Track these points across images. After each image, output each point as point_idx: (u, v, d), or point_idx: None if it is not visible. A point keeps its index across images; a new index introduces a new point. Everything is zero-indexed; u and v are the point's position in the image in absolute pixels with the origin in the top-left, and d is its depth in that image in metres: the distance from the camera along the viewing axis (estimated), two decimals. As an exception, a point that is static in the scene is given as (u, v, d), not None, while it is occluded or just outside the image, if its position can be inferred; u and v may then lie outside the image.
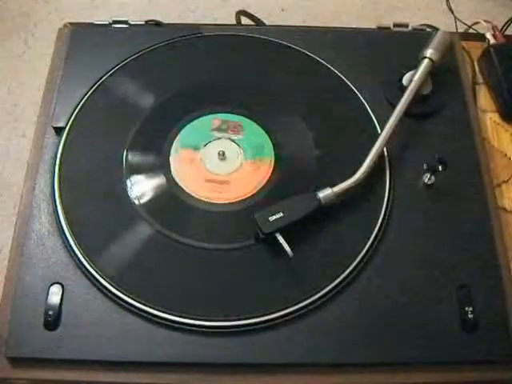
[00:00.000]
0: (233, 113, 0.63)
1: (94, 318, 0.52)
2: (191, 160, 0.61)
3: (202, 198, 0.58)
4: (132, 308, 0.52)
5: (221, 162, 0.61)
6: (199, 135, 0.62)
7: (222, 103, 0.64)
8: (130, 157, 0.60)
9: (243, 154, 0.61)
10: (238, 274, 0.54)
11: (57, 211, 0.57)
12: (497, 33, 0.70)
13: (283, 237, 0.53)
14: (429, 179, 0.59)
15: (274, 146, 0.61)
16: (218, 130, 0.62)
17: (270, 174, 0.60)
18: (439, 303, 0.53)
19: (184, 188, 0.59)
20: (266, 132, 0.62)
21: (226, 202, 0.58)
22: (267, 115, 0.63)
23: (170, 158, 0.60)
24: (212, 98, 0.65)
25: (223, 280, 0.54)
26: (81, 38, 0.68)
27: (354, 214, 0.57)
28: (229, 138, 0.62)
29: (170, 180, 0.59)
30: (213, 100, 0.64)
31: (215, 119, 0.63)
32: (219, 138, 0.62)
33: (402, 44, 0.68)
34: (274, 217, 0.53)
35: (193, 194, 0.58)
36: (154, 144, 0.61)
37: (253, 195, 0.58)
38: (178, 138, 0.62)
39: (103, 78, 0.65)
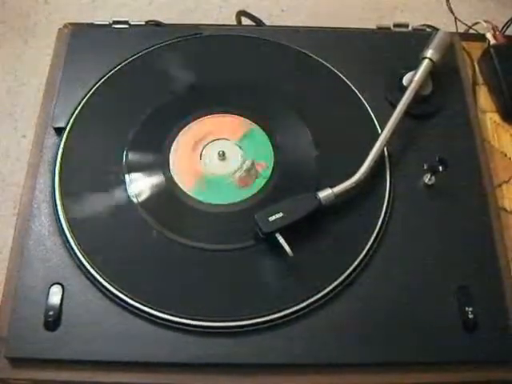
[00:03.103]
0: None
1: (94, 318, 0.52)
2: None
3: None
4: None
5: (221, 161, 0.61)
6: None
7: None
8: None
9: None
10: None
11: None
12: (497, 33, 0.70)
13: (283, 237, 0.53)
14: (429, 179, 0.59)
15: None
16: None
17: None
18: (439, 303, 0.53)
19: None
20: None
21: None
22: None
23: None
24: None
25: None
26: (81, 38, 0.68)
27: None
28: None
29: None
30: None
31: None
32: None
33: (402, 44, 0.68)
34: (274, 217, 0.53)
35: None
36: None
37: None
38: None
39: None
